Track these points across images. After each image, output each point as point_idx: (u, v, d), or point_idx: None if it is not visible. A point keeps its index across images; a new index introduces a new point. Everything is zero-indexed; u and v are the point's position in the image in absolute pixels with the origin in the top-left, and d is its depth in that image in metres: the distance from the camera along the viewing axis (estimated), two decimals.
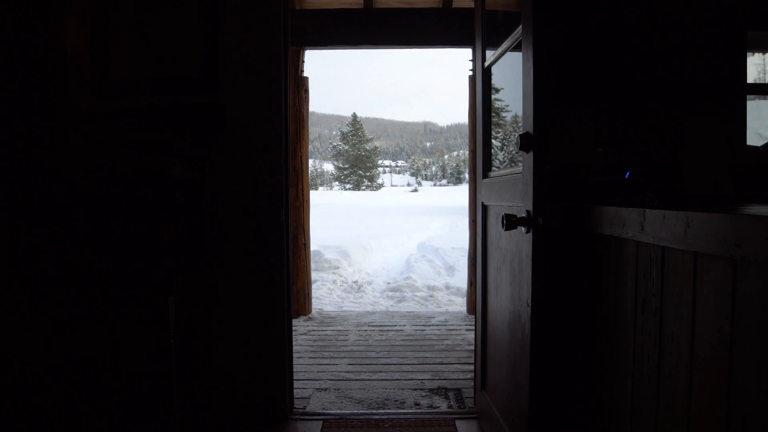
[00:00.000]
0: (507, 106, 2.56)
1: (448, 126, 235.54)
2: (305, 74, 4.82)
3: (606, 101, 1.85)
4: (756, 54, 2.65)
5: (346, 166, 72.60)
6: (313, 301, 5.27)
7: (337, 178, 74.86)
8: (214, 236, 2.51)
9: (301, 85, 4.75)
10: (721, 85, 1.84)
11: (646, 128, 1.85)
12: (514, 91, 1.99)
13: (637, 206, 1.34)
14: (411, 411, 2.80)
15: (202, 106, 2.47)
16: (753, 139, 2.14)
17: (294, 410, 2.77)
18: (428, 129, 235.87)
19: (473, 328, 3.57)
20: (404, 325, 4.60)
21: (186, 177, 2.48)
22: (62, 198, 2.39)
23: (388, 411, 2.79)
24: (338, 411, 2.78)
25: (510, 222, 1.78)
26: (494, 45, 2.33)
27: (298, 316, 4.84)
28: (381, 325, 4.61)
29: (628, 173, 1.81)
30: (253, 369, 2.55)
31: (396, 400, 2.94)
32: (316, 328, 4.55)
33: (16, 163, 2.33)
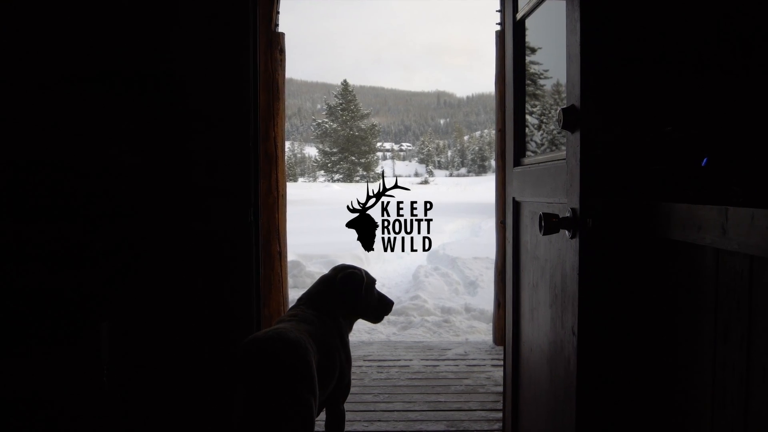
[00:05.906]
0: (546, 71, 2.56)
1: (467, 97, 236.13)
2: (281, 29, 4.82)
3: (678, 64, 1.85)
4: None
5: (335, 150, 72.71)
6: None
7: (323, 166, 74.95)
8: (159, 242, 2.51)
9: (275, 44, 4.75)
10: None
11: (730, 102, 1.84)
12: (555, 52, 1.99)
13: (718, 203, 1.34)
14: None
15: (145, 74, 2.47)
16: None
17: None
18: (442, 101, 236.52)
19: (501, 363, 3.57)
20: (411, 360, 4.60)
21: (125, 164, 2.48)
22: None
23: None
24: None
25: (550, 224, 1.78)
26: None
27: None
28: (380, 360, 4.62)
29: (705, 159, 1.80)
30: (211, 416, 2.55)
31: None
32: None
33: None
